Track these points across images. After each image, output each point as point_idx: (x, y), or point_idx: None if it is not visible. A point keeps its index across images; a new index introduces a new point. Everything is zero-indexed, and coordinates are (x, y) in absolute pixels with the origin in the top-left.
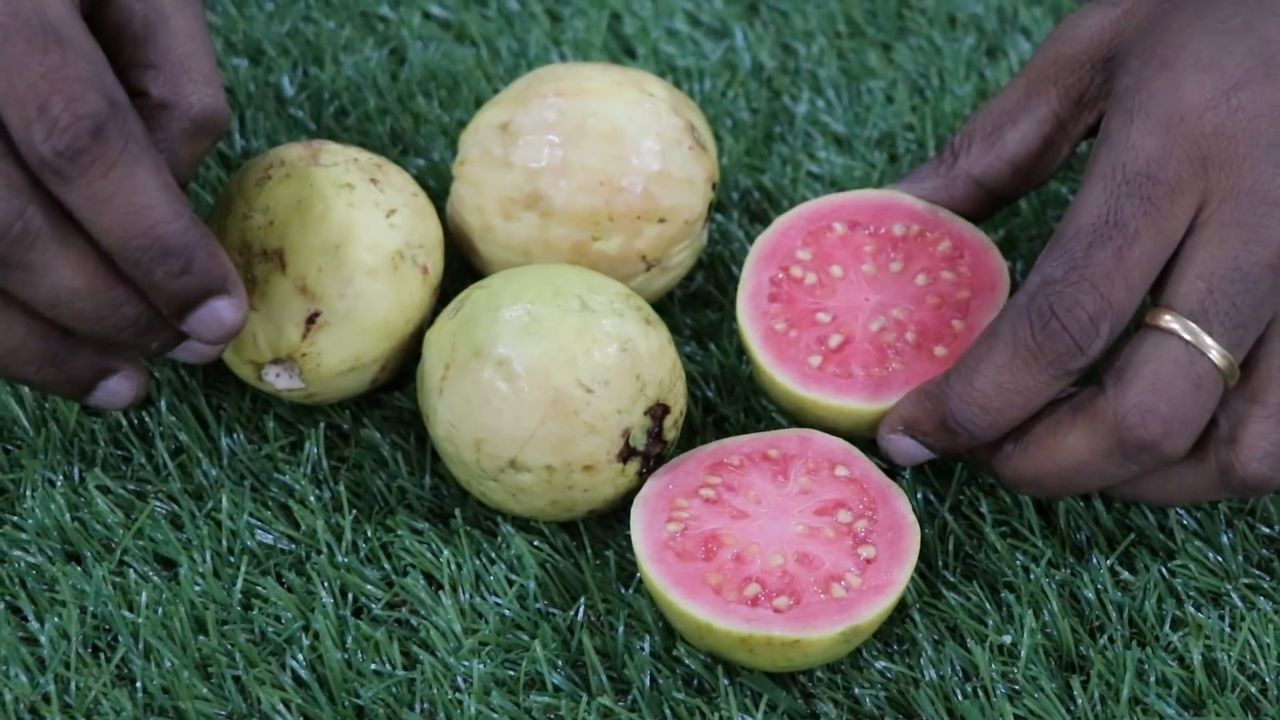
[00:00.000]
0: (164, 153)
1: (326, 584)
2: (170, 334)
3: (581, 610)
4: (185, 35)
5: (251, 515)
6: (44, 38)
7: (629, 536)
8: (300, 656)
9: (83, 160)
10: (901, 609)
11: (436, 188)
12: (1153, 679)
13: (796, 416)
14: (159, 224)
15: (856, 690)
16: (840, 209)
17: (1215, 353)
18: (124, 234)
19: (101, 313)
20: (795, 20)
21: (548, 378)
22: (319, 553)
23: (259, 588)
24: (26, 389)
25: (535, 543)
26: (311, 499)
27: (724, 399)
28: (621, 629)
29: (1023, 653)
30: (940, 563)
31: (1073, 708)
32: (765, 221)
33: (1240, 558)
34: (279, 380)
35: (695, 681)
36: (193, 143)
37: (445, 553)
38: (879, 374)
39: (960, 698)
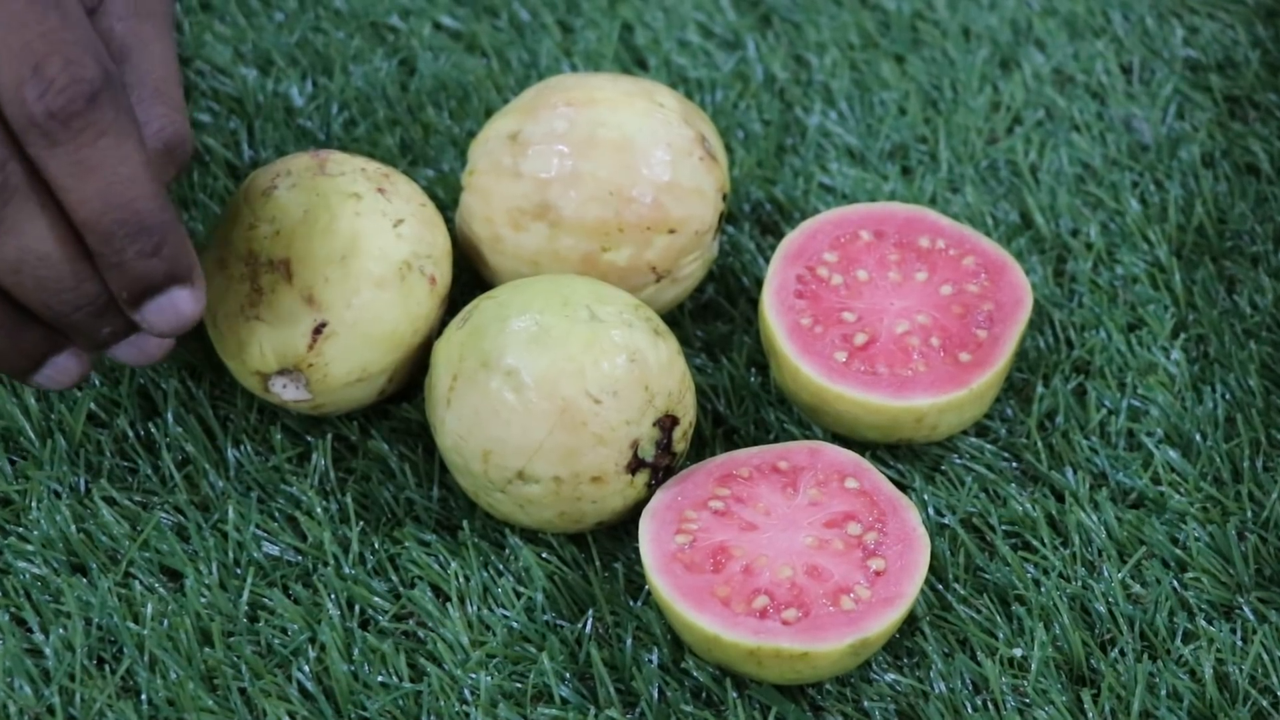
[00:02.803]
0: None
1: (333, 596)
2: (123, 322)
3: (590, 622)
4: (161, 62)
5: (258, 527)
6: (44, 1)
7: (637, 548)
8: (306, 669)
9: (75, 124)
10: (911, 621)
11: (446, 198)
12: (1164, 692)
13: (816, 412)
14: (139, 199)
15: (866, 703)
16: (868, 218)
17: None
18: (103, 204)
19: (64, 284)
20: (808, 32)
21: (556, 388)
22: (326, 564)
23: (265, 599)
24: (33, 401)
25: (543, 554)
26: (319, 510)
27: (734, 411)
28: (630, 641)
29: (1033, 666)
30: (950, 575)
31: None
32: (777, 234)
33: (1252, 570)
34: (286, 391)
35: (704, 694)
36: (161, 166)
37: (453, 564)
38: (904, 374)
39: (970, 711)
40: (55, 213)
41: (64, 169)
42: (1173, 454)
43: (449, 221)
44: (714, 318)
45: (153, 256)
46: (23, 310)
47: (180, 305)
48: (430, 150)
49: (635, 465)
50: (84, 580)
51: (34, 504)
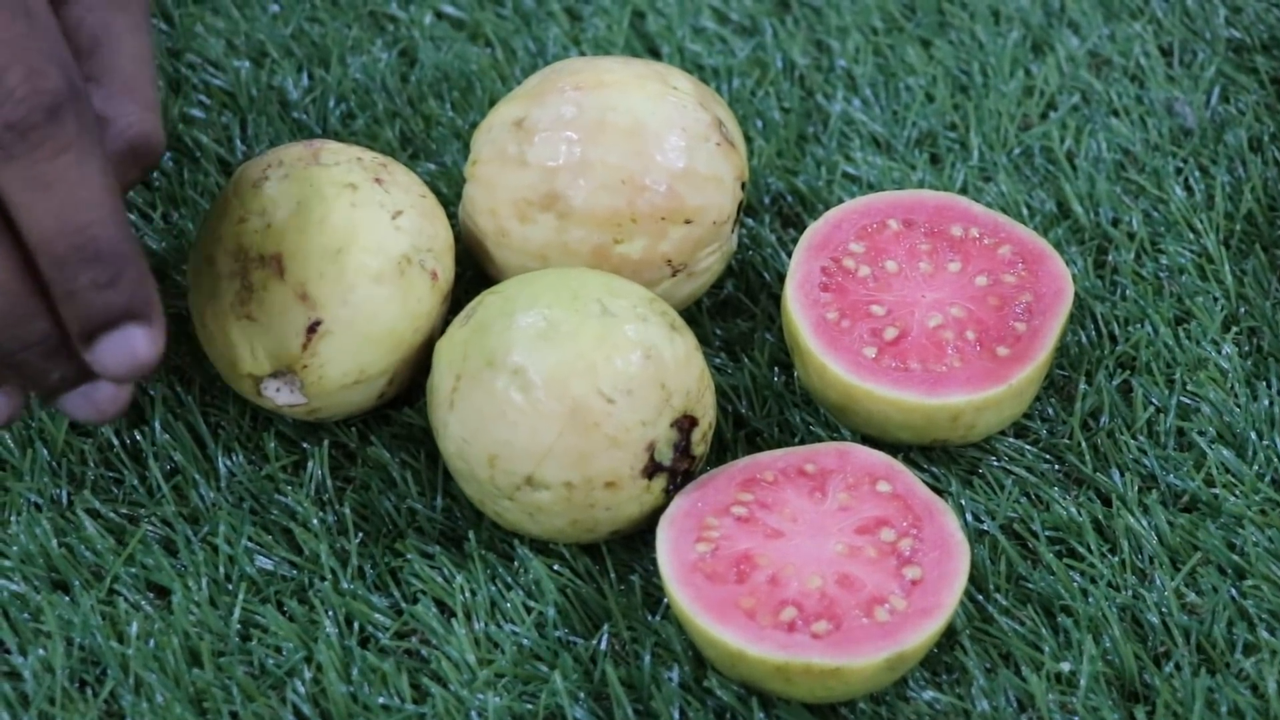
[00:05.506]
0: None
1: (331, 612)
2: (74, 367)
3: (605, 639)
4: (133, 58)
5: (251, 540)
6: (13, 6)
7: (655, 558)
8: (302, 690)
9: (33, 136)
10: (950, 634)
11: (449, 194)
12: (1224, 709)
13: (844, 412)
14: (97, 224)
15: None
16: (896, 206)
17: None
18: (58, 226)
19: (11, 319)
20: (829, 16)
21: (566, 387)
22: (323, 579)
23: (258, 617)
24: None
25: (555, 566)
26: (315, 522)
27: (756, 413)
28: (648, 658)
29: (1082, 681)
30: (991, 585)
31: None
32: (799, 226)
33: None
34: (279, 395)
35: (728, 714)
36: (124, 167)
37: (458, 578)
38: (938, 370)
39: None
40: (10, 243)
41: (18, 184)
42: (1227, 454)
43: (452, 218)
44: (734, 315)
45: (108, 288)
46: None
47: (135, 345)
48: (432, 143)
49: (652, 469)
50: (65, 598)
51: (13, 517)
